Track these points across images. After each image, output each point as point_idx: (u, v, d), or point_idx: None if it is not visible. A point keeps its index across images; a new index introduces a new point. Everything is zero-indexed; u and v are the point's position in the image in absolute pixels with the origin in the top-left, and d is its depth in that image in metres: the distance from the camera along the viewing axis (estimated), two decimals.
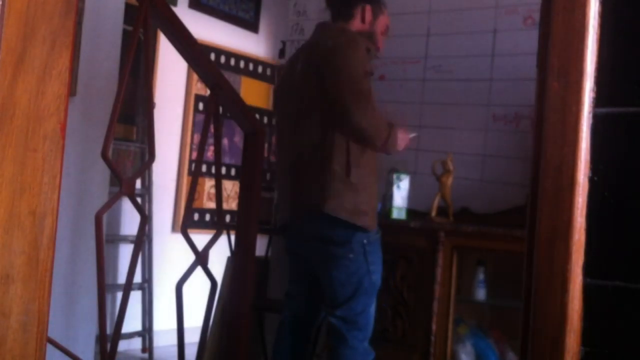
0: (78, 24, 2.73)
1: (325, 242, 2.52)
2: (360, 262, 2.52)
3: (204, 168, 4.64)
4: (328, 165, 2.49)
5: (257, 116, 4.92)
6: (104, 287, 1.47)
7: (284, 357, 2.71)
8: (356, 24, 2.71)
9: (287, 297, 2.76)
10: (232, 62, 4.91)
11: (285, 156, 2.68)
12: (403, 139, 2.67)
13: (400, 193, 3.89)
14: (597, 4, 1.11)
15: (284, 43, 4.22)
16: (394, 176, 3.88)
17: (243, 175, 2.10)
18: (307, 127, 2.55)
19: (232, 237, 2.22)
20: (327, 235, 2.51)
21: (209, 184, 4.75)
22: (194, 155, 4.61)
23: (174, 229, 4.55)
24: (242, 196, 2.05)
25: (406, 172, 3.94)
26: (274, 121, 5.14)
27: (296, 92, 2.64)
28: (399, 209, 3.89)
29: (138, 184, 4.19)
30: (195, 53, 1.75)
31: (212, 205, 4.73)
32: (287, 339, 2.69)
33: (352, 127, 2.46)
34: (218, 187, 1.88)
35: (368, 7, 2.72)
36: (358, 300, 2.54)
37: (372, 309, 2.63)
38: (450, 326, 3.62)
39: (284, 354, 2.70)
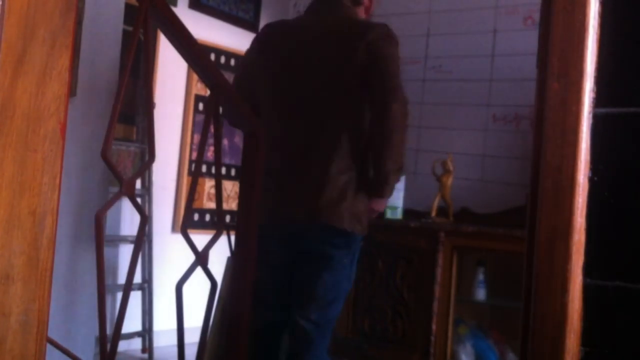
0: (78, 24, 2.73)
1: (323, 242, 2.35)
2: (347, 267, 2.39)
3: (204, 168, 4.64)
4: (345, 171, 2.32)
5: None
6: (104, 287, 1.47)
7: None
8: (360, 13, 2.54)
9: (259, 303, 2.27)
10: (232, 62, 4.91)
11: (284, 148, 2.40)
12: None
13: (395, 193, 3.89)
14: (597, 4, 1.11)
15: None
16: None
17: (243, 175, 2.10)
18: (320, 124, 2.36)
19: (232, 237, 2.22)
20: (326, 238, 2.35)
21: (209, 184, 4.75)
22: (194, 155, 4.60)
23: (174, 229, 4.55)
24: (242, 196, 2.05)
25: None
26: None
27: (304, 81, 2.40)
28: (393, 209, 3.89)
29: (138, 184, 4.19)
30: (195, 53, 1.75)
31: (212, 205, 4.73)
32: (263, 350, 2.46)
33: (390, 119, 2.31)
34: (218, 187, 1.88)
35: None
36: (335, 305, 2.40)
37: None
38: (450, 326, 3.63)
39: None
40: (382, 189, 2.38)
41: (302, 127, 2.38)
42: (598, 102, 1.11)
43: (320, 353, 2.38)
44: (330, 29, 2.43)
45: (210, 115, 1.81)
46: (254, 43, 2.57)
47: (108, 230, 3.94)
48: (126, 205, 4.11)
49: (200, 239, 1.77)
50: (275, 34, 2.56)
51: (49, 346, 1.11)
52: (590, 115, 1.10)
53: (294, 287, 2.41)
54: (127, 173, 4.11)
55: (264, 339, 2.44)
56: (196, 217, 4.65)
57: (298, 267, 2.40)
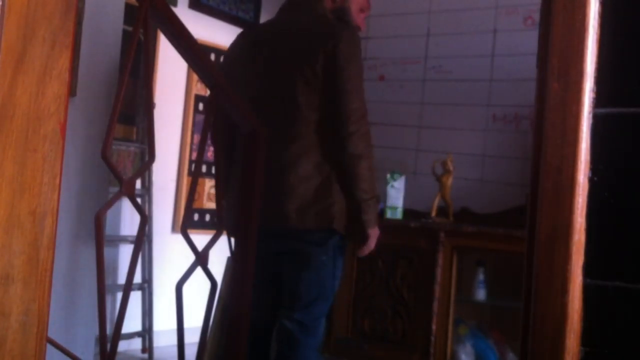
0: (78, 24, 2.73)
1: (300, 240, 2.34)
2: (329, 266, 2.37)
3: (204, 168, 4.64)
4: (317, 170, 2.31)
5: None
6: (104, 287, 1.47)
7: None
8: (327, 3, 2.50)
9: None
10: None
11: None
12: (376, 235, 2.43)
13: (395, 193, 3.90)
14: (597, 4, 1.11)
15: None
16: (388, 176, 3.88)
17: (243, 175, 2.10)
18: (296, 125, 2.33)
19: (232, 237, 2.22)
20: (301, 236, 2.33)
21: (209, 184, 4.75)
22: (194, 155, 4.60)
23: (174, 230, 4.55)
24: (242, 196, 2.05)
25: (400, 172, 3.94)
26: None
27: (274, 79, 2.40)
28: (393, 208, 3.89)
29: (138, 184, 4.19)
30: (195, 53, 1.75)
31: (212, 205, 4.73)
32: (254, 355, 2.42)
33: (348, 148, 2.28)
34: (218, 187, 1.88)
35: None
36: (319, 304, 2.38)
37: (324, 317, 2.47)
38: (450, 326, 3.63)
39: None
40: (361, 220, 2.33)
41: (273, 129, 2.32)
42: (598, 102, 1.11)
43: (308, 353, 2.36)
44: (298, 29, 2.44)
45: (210, 115, 1.81)
46: (229, 50, 2.58)
47: (108, 230, 3.94)
48: (126, 205, 4.11)
49: (200, 239, 1.78)
50: (248, 40, 2.60)
51: (49, 346, 1.11)
52: (590, 115, 1.10)
53: (280, 288, 2.41)
54: (127, 173, 4.11)
55: (250, 338, 2.38)
56: (196, 217, 4.65)
57: (281, 268, 2.40)
